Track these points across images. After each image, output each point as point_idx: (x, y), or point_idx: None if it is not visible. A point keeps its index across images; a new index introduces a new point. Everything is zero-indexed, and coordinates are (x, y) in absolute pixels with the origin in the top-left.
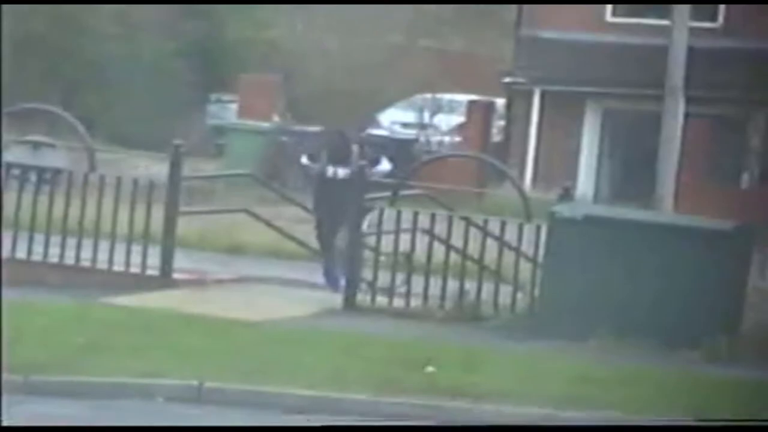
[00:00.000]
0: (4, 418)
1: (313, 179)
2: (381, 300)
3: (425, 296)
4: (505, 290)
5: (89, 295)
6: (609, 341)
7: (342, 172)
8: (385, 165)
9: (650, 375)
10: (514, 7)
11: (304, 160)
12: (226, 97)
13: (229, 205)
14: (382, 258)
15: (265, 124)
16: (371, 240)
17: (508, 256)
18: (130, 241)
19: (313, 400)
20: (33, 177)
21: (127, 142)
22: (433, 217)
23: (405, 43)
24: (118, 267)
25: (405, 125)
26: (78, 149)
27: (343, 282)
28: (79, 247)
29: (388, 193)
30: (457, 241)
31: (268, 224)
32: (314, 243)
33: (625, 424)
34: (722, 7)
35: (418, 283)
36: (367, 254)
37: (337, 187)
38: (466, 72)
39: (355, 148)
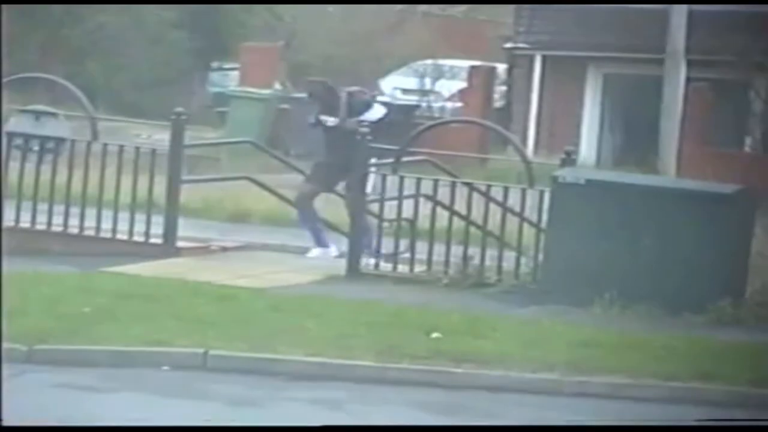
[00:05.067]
0: (5, 387)
1: (313, 129)
2: (385, 266)
3: (429, 262)
4: (509, 256)
5: (93, 264)
6: (613, 306)
7: (331, 120)
8: (377, 111)
9: (655, 340)
10: None
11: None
12: (227, 65)
13: (232, 173)
14: (386, 224)
15: (267, 92)
16: (374, 206)
17: (512, 222)
18: (133, 209)
19: (319, 367)
20: (35, 146)
21: (129, 110)
22: (436, 182)
23: (406, 9)
24: (121, 236)
25: (406, 91)
26: (80, 118)
27: (333, 244)
28: (82, 216)
29: (390, 159)
30: (460, 206)
31: (271, 191)
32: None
33: (624, 424)
34: None
35: (421, 249)
36: (371, 220)
37: (333, 136)
38: (468, 37)
39: (343, 96)
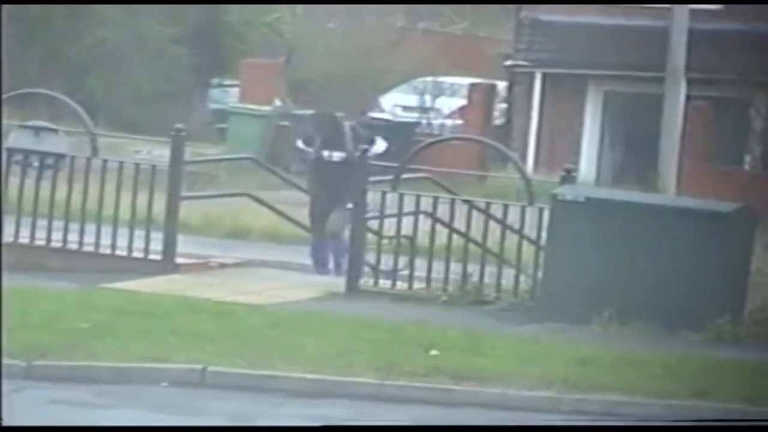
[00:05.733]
0: (5, 403)
1: (308, 162)
2: (384, 283)
3: (428, 279)
4: (508, 273)
5: (92, 280)
6: (611, 324)
7: (337, 155)
8: (379, 145)
9: (653, 358)
10: None
11: (299, 144)
12: (227, 81)
13: (231, 189)
14: (385, 241)
15: (267, 108)
16: (373, 223)
17: (511, 239)
18: (132, 225)
19: (317, 384)
20: (35, 162)
21: (129, 126)
22: (435, 200)
23: (406, 26)
24: (120, 252)
25: (406, 108)
26: (80, 134)
27: (331, 265)
28: (81, 231)
29: (390, 177)
30: (459, 224)
31: (271, 208)
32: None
33: (625, 424)
34: None
35: (420, 266)
36: (370, 237)
37: (333, 170)
38: (468, 55)
39: (347, 129)
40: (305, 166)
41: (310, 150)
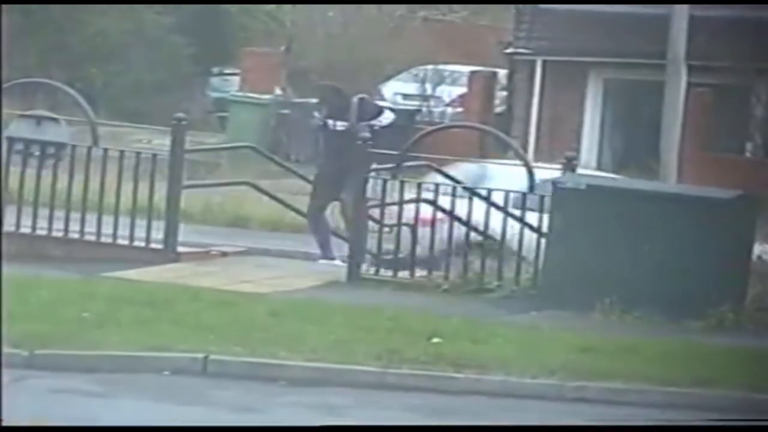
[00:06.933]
0: (6, 392)
1: (319, 132)
2: (385, 271)
3: (429, 267)
4: (509, 261)
5: (94, 269)
6: (613, 311)
7: (340, 124)
8: (387, 115)
9: (655, 345)
10: None
11: (315, 113)
12: (227, 70)
13: (232, 178)
14: (386, 229)
15: (267, 97)
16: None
17: (512, 227)
18: (133, 215)
19: (319, 372)
20: (36, 151)
21: (130, 115)
22: (436, 187)
23: (406, 14)
24: (122, 241)
25: (407, 97)
26: (80, 123)
27: (331, 251)
28: (83, 221)
29: (391, 165)
30: (460, 211)
31: (271, 196)
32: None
33: (625, 424)
34: None
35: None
36: (371, 225)
37: (338, 139)
38: (468, 43)
39: (354, 100)
40: (317, 136)
41: (318, 116)
